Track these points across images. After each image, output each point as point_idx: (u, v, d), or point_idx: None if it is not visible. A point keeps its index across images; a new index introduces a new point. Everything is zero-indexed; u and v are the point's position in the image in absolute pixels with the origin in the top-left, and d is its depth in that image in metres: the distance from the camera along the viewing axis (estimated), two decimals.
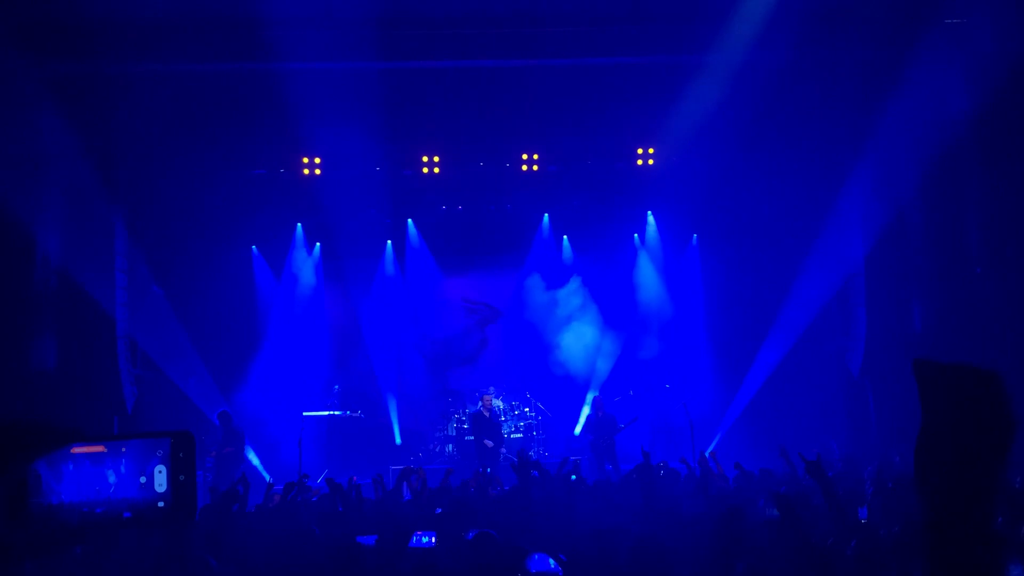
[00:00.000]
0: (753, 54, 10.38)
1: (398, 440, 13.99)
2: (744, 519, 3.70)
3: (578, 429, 13.91)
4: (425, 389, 14.34)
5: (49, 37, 10.20)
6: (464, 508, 5.77)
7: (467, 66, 11.34)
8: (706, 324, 14.19)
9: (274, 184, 13.17)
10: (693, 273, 14.54)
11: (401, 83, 11.64)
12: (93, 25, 9.96)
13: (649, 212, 14.63)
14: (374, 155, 13.05)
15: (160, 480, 1.48)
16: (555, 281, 14.54)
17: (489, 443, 11.80)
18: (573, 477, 7.55)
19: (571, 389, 14.12)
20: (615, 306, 14.50)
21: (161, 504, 1.47)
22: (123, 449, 1.48)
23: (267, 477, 11.57)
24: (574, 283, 14.46)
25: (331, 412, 13.77)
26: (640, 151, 12.96)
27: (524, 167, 13.15)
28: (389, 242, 14.74)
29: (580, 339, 14.22)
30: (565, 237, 14.84)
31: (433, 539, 5.21)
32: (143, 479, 1.48)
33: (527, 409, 14.00)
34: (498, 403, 14.09)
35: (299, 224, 14.31)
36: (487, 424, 12.05)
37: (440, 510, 6.06)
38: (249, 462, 12.20)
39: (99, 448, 1.47)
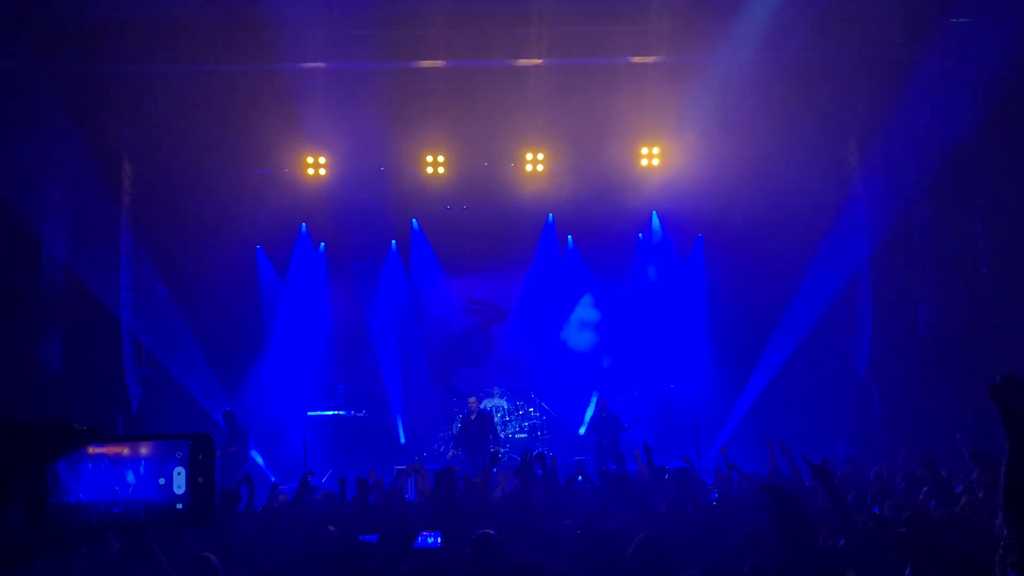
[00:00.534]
0: (759, 54, 10.37)
1: (403, 440, 14.01)
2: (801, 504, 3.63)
3: (582, 429, 13.90)
4: (430, 389, 14.35)
5: (56, 38, 10.24)
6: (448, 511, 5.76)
7: (472, 66, 11.35)
8: (711, 324, 14.17)
9: (279, 184, 13.17)
10: (698, 273, 14.52)
11: (406, 83, 11.64)
12: (99, 26, 10.00)
13: (654, 212, 14.62)
14: (379, 155, 13.07)
15: (179, 482, 1.48)
16: (559, 283, 14.52)
17: (452, 452, 11.72)
18: (580, 478, 7.55)
19: (575, 389, 14.12)
20: (620, 306, 14.50)
21: (179, 506, 1.47)
22: (143, 450, 1.48)
23: (271, 477, 11.58)
24: (587, 300, 14.48)
25: (335, 412, 13.79)
26: (645, 151, 12.93)
27: (529, 167, 13.13)
28: (394, 242, 14.74)
29: (584, 339, 14.20)
30: (570, 237, 14.84)
31: (439, 539, 5.20)
32: (162, 480, 1.47)
33: (531, 409, 14.01)
34: (502, 403, 14.11)
35: (304, 224, 14.33)
36: (470, 427, 11.92)
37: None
38: (253, 462, 12.20)
39: (119, 448, 1.47)
